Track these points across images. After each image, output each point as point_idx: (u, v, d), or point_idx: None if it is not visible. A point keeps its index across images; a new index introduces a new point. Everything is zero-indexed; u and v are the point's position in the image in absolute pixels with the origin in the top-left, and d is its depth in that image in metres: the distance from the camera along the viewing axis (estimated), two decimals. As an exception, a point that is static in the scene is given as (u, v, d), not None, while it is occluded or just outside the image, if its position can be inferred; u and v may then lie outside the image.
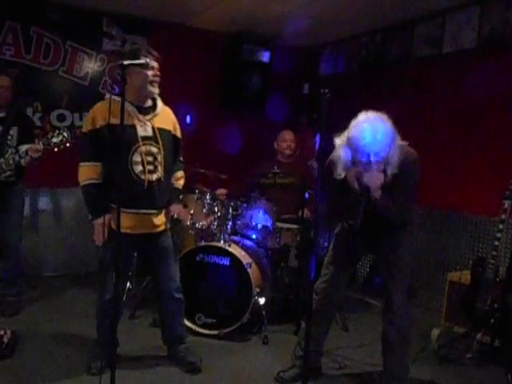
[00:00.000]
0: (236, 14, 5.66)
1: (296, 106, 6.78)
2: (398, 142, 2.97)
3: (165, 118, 3.51)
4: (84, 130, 3.38)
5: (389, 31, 5.75)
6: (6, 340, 3.64)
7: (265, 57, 6.33)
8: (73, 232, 5.84)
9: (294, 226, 4.67)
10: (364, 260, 5.76)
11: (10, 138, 4.27)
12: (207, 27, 6.20)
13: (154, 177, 3.36)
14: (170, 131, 3.51)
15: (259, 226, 4.52)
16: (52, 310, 4.67)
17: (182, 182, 3.73)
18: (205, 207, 4.47)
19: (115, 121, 3.13)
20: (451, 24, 5.05)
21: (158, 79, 3.37)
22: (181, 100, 5.96)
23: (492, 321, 3.81)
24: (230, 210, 4.50)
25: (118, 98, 3.24)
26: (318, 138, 2.92)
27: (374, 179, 2.94)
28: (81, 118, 5.76)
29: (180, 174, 3.70)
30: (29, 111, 5.49)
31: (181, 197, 3.82)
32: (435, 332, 4.13)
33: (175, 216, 3.58)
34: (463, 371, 3.79)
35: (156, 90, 3.40)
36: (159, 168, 3.38)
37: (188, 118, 6.18)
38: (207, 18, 5.85)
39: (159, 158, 3.38)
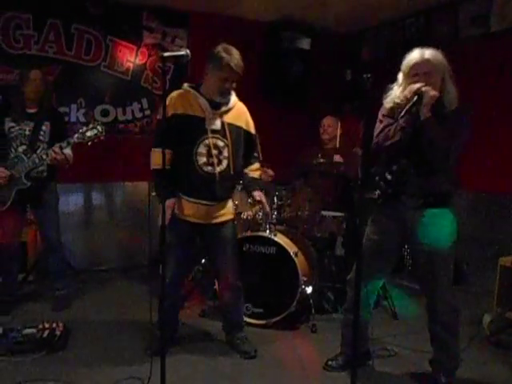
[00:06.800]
0: (275, 2, 5.63)
1: (338, 93, 6.68)
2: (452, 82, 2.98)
3: (237, 113, 3.55)
4: (159, 116, 3.50)
5: (433, 12, 5.61)
6: (58, 333, 3.71)
7: (305, 44, 6.28)
8: (122, 226, 5.93)
9: (340, 214, 4.63)
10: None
11: (42, 133, 4.26)
12: (246, 16, 6.18)
13: (217, 170, 3.41)
14: (241, 127, 3.55)
15: (305, 214, 4.49)
16: (102, 302, 4.75)
17: (258, 173, 3.78)
18: (249, 197, 4.47)
19: (185, 111, 3.32)
20: (498, 1, 4.89)
21: (234, 79, 3.41)
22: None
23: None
24: (275, 200, 4.48)
25: (192, 90, 3.38)
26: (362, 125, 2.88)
27: (430, 89, 2.87)
28: (124, 113, 5.83)
29: (255, 166, 3.75)
30: (73, 108, 5.59)
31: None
32: (487, 318, 4.07)
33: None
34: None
35: (230, 90, 3.47)
36: (224, 162, 3.44)
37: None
38: (246, 6, 5.84)
39: (225, 151, 3.43)
